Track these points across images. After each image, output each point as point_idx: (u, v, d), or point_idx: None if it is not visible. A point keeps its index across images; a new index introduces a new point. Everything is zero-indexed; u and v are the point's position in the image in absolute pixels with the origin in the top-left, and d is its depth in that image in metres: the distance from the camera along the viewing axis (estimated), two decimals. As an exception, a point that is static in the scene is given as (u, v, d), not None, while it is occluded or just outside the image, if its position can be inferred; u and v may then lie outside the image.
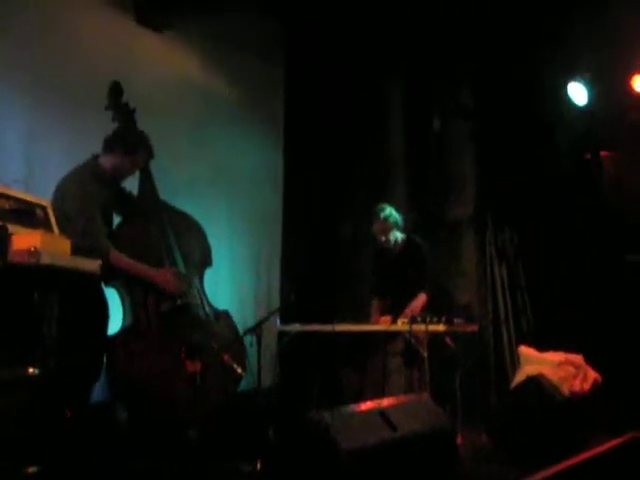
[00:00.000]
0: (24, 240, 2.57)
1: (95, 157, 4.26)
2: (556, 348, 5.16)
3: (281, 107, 6.61)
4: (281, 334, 5.47)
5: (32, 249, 2.53)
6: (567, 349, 5.12)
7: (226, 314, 4.66)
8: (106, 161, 4.25)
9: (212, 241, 4.75)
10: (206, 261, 4.69)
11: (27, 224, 2.74)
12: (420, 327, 4.85)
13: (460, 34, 6.22)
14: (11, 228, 2.56)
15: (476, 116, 6.59)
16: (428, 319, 4.82)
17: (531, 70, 6.03)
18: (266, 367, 4.83)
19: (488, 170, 6.50)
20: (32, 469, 2.67)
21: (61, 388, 2.94)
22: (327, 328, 5.16)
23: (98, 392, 4.15)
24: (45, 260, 2.56)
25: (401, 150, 6.89)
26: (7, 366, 2.62)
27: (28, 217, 2.79)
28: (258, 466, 3.82)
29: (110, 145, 4.26)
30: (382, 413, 3.37)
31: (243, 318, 5.01)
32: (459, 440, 4.49)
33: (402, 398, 3.97)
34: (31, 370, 2.71)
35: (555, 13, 5.68)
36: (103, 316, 4.06)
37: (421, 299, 5.29)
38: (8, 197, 2.72)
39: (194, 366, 4.00)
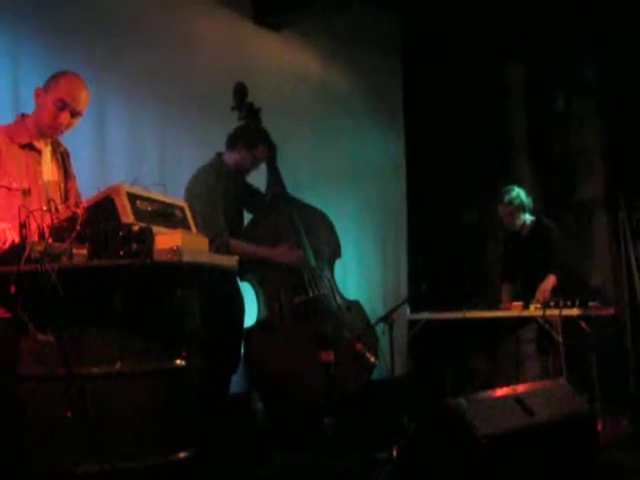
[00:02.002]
0: (166, 240, 2.66)
1: (219, 155, 4.41)
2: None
3: (400, 97, 6.61)
4: (411, 323, 5.50)
5: (174, 248, 2.62)
6: None
7: (357, 304, 4.72)
8: (229, 157, 4.39)
9: (339, 233, 4.82)
10: (335, 253, 4.77)
11: (168, 224, 2.85)
12: (553, 312, 4.74)
13: (580, 8, 6.02)
14: (154, 229, 2.67)
15: (602, 92, 6.37)
16: (562, 303, 4.71)
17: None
18: (398, 356, 4.87)
19: (618, 147, 6.26)
20: (182, 454, 2.80)
21: (204, 379, 3.05)
22: (457, 315, 5.14)
23: (236, 384, 4.31)
24: (186, 258, 2.64)
25: (524, 132, 6.76)
26: (156, 358, 2.76)
27: (168, 218, 2.90)
28: (394, 453, 3.85)
29: (231, 141, 4.40)
30: (518, 399, 3.32)
31: (372, 308, 5.05)
32: (599, 426, 4.36)
33: (538, 384, 3.90)
34: (178, 362, 2.84)
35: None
36: (240, 310, 4.21)
37: (550, 281, 5.12)
38: (150, 200, 2.85)
39: (328, 356, 4.05)
